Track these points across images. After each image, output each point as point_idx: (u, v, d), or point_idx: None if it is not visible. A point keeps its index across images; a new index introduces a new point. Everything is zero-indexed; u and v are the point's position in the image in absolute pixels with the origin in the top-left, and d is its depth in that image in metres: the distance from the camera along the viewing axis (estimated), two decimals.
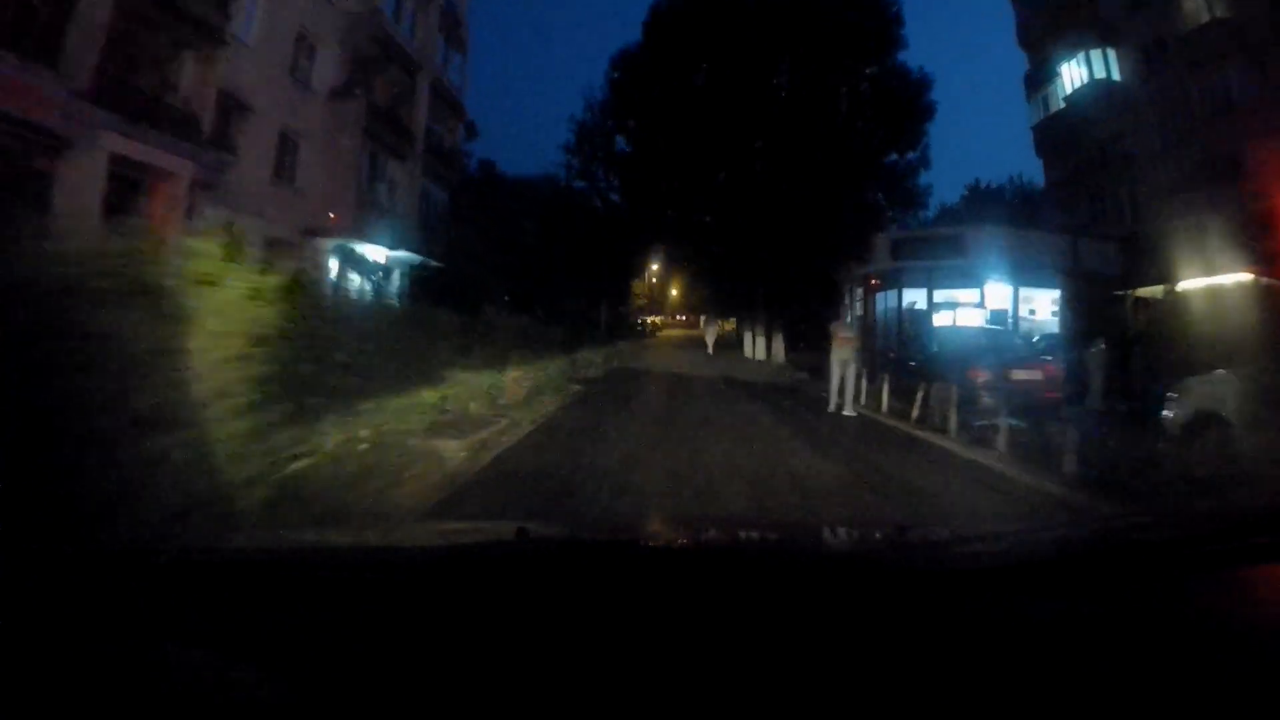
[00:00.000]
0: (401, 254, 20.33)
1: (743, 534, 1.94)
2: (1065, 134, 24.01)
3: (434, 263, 21.41)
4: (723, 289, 29.51)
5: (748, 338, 28.95)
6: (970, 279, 17.78)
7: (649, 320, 55.59)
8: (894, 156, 22.84)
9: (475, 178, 23.52)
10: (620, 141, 25.36)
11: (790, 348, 25.21)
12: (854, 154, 21.43)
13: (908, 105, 22.11)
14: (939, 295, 18.41)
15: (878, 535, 1.81)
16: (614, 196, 26.78)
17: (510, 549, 1.19)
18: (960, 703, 0.78)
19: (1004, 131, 48.07)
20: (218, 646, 0.88)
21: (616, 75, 25.05)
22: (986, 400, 8.28)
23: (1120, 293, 17.26)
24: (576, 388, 13.18)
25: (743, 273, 23.87)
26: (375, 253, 19.72)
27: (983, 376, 8.70)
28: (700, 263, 28.01)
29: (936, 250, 18.51)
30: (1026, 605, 0.99)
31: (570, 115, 27.49)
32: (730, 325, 55.69)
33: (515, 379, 9.65)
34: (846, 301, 24.00)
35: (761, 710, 0.76)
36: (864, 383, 11.79)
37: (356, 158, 18.77)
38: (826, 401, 11.13)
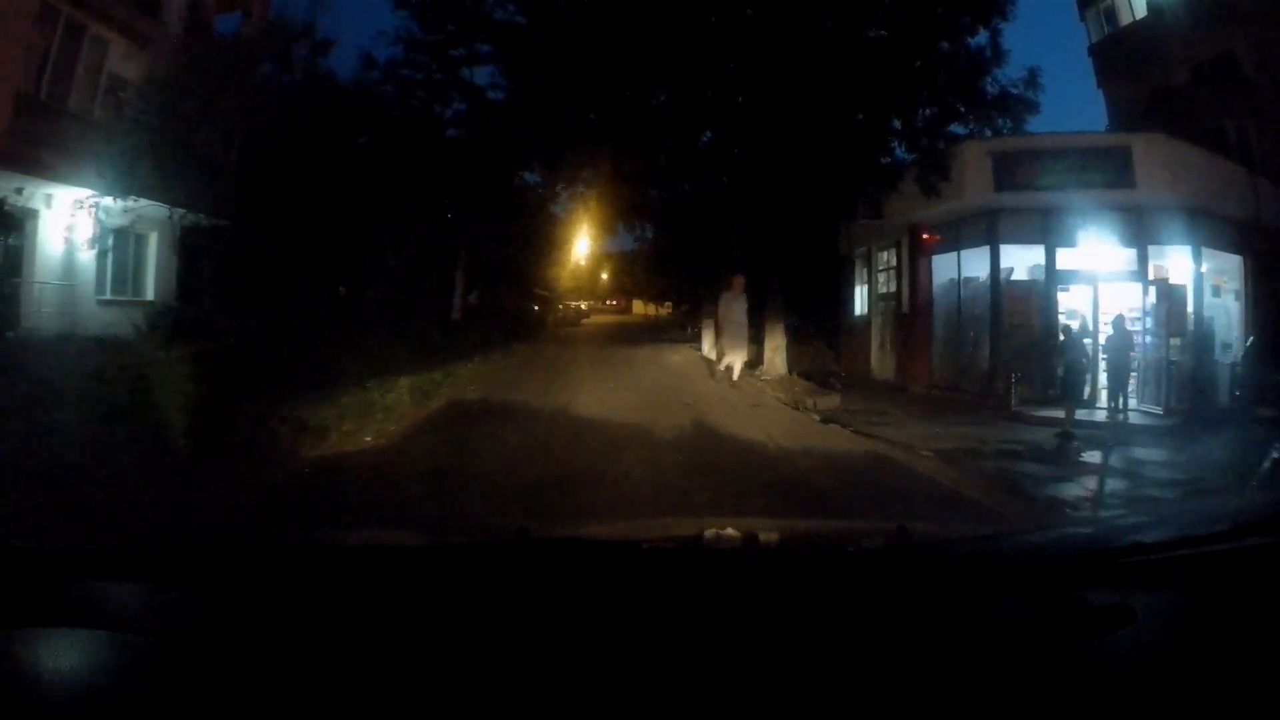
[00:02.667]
0: (147, 205, 11.55)
1: (745, 534, 1.81)
2: (1143, 53, 17.76)
3: (219, 222, 12.80)
4: (679, 256, 20.06)
5: (708, 331, 16.50)
6: (1125, 231, 10.64)
7: (574, 305, 48.03)
8: (946, 46, 12.23)
9: (302, 91, 14.86)
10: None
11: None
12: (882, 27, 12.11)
13: None
14: (1065, 258, 11.10)
15: (878, 535, 1.74)
16: (487, 86, 15.88)
17: (510, 549, 1.15)
18: (963, 701, 0.77)
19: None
20: (194, 644, 0.86)
21: None
22: None
23: None
24: None
25: (715, 223, 14.85)
26: (82, 200, 10.96)
27: None
28: (639, 206, 17.23)
29: (1076, 174, 10.75)
30: (1028, 605, 0.98)
31: None
32: (666, 309, 46.20)
33: None
34: (863, 274, 16.52)
35: (766, 711, 0.75)
36: None
37: (26, 29, 9.99)
38: None
